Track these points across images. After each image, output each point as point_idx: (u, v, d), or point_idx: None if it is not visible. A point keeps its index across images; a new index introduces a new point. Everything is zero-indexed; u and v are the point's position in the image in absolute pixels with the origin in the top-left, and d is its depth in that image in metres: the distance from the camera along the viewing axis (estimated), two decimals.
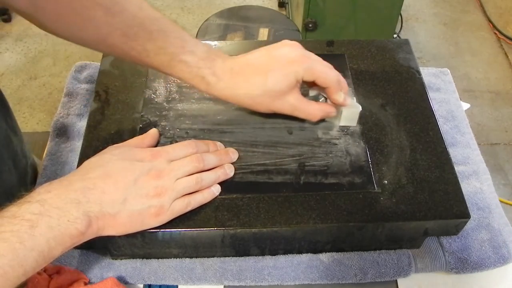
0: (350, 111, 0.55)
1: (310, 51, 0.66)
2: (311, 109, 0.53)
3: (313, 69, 0.51)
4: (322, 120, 0.56)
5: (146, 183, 0.45)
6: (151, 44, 0.49)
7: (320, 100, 0.55)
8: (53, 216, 0.40)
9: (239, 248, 0.50)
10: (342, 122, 0.56)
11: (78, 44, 0.50)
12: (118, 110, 0.57)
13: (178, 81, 0.60)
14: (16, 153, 0.59)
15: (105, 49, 0.51)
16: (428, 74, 0.71)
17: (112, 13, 0.47)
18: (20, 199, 0.41)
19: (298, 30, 1.35)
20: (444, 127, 0.64)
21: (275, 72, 0.50)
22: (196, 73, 0.51)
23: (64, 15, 0.47)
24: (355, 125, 0.56)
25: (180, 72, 0.51)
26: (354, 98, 0.58)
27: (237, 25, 1.33)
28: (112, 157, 0.46)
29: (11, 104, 0.60)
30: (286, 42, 0.53)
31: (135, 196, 0.44)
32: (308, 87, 0.56)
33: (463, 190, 0.50)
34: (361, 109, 0.55)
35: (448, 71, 0.72)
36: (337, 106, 0.54)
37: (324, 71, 0.51)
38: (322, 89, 0.53)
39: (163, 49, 0.49)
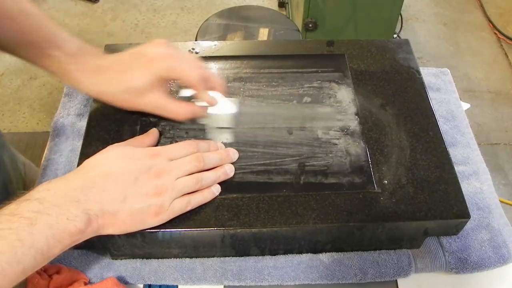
0: (222, 112, 0.55)
1: (310, 51, 0.66)
2: (176, 108, 0.54)
3: (173, 67, 0.51)
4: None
5: (146, 182, 0.45)
6: (21, 37, 0.51)
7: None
8: (52, 214, 0.40)
9: (239, 248, 0.50)
10: (215, 124, 0.55)
11: None
12: (118, 110, 0.56)
13: (178, 81, 0.60)
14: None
15: None
16: (428, 74, 0.71)
17: None
18: (19, 197, 0.41)
19: (298, 30, 1.35)
20: (444, 127, 0.64)
21: (135, 70, 0.51)
22: (62, 68, 0.52)
23: None
24: (230, 126, 0.55)
25: (48, 66, 0.53)
26: (239, 98, 0.57)
27: (237, 25, 1.33)
28: (112, 156, 0.46)
29: (11, 104, 0.60)
30: (155, 41, 0.53)
31: (135, 195, 0.44)
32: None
33: (463, 190, 0.50)
34: (234, 110, 0.55)
35: (448, 71, 0.72)
36: (208, 106, 0.54)
37: (185, 69, 0.51)
38: (190, 88, 0.53)
39: (32, 43, 0.51)
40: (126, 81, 0.52)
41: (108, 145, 0.49)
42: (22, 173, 0.66)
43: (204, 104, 0.54)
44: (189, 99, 0.56)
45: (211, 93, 0.54)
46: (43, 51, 0.52)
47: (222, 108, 0.55)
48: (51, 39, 0.52)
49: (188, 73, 0.51)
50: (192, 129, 0.55)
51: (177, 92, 0.58)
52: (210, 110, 0.55)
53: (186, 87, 0.54)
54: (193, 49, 0.64)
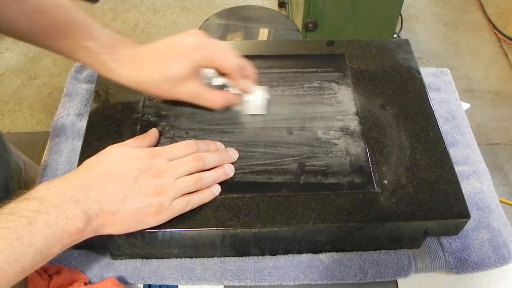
0: (255, 99, 0.55)
1: (310, 51, 0.66)
2: (212, 97, 0.54)
3: (211, 56, 0.52)
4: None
5: (146, 182, 0.45)
6: (55, 30, 0.51)
7: (229, 90, 0.56)
8: (51, 213, 0.40)
9: (239, 248, 0.50)
10: (249, 111, 0.56)
11: None
12: (118, 110, 0.57)
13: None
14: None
15: (13, 34, 0.53)
16: (428, 74, 0.71)
17: None
18: (18, 196, 0.41)
19: (298, 30, 1.35)
20: (444, 127, 0.64)
21: (173, 59, 0.52)
22: (97, 59, 0.53)
23: None
24: (264, 113, 0.56)
25: (82, 57, 0.53)
26: (266, 87, 0.58)
27: (237, 25, 1.33)
28: (112, 156, 0.46)
29: (11, 104, 0.60)
30: (191, 31, 0.54)
31: (135, 195, 0.44)
32: (219, 76, 0.56)
33: (463, 190, 0.50)
34: (268, 97, 0.56)
35: (448, 71, 0.72)
36: (243, 94, 0.55)
37: (223, 58, 0.52)
38: (227, 76, 0.54)
39: (66, 35, 0.52)
40: (164, 71, 0.52)
41: (108, 145, 0.49)
42: (22, 171, 0.66)
43: (238, 92, 0.55)
44: (221, 87, 0.57)
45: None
46: (78, 42, 0.52)
47: (256, 96, 0.55)
48: (85, 31, 0.52)
49: (226, 61, 0.52)
50: (192, 129, 0.55)
51: (209, 81, 0.59)
52: (244, 98, 0.56)
53: (222, 75, 0.54)
54: None
